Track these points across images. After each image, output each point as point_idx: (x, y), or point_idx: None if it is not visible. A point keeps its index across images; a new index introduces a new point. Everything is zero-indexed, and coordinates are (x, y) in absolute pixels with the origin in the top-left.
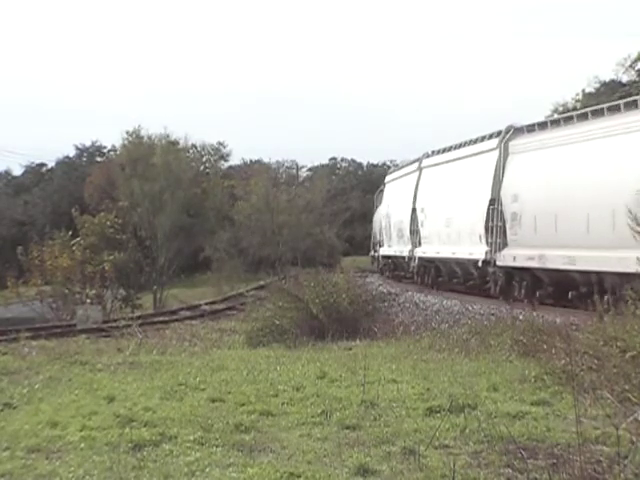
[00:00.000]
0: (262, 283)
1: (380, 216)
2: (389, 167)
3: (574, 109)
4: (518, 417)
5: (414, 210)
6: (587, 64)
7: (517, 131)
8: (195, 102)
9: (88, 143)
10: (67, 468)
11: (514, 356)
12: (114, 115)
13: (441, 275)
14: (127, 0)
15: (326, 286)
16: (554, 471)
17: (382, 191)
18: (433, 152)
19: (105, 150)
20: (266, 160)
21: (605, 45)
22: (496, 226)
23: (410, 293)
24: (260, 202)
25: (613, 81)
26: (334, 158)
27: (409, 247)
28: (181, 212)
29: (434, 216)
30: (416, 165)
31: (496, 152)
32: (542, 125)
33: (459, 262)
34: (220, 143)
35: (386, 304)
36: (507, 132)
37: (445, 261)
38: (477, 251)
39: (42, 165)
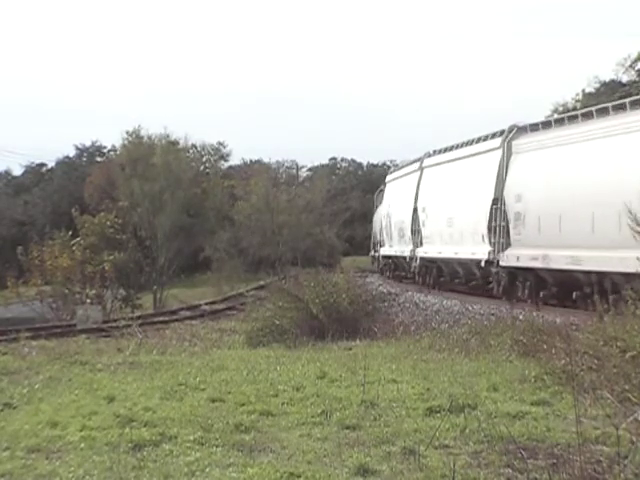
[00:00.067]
0: (262, 283)
1: (380, 216)
2: (389, 167)
3: (574, 109)
4: (518, 417)
5: (415, 210)
6: (587, 64)
7: (520, 130)
8: (195, 102)
9: (88, 143)
10: (67, 468)
11: (514, 356)
12: (114, 115)
13: (443, 275)
14: (127, 0)
15: (326, 286)
16: (554, 471)
17: (382, 191)
18: (435, 151)
19: (105, 150)
20: (266, 160)
21: (605, 45)
22: (499, 226)
23: (410, 293)
24: (260, 202)
25: (613, 81)
26: (334, 158)
27: (410, 247)
28: (181, 212)
29: (436, 216)
30: (417, 165)
31: (499, 151)
32: (546, 124)
33: (461, 262)
34: (220, 143)
35: (386, 304)
36: (510, 131)
37: (447, 261)
38: (480, 251)
39: (42, 165)
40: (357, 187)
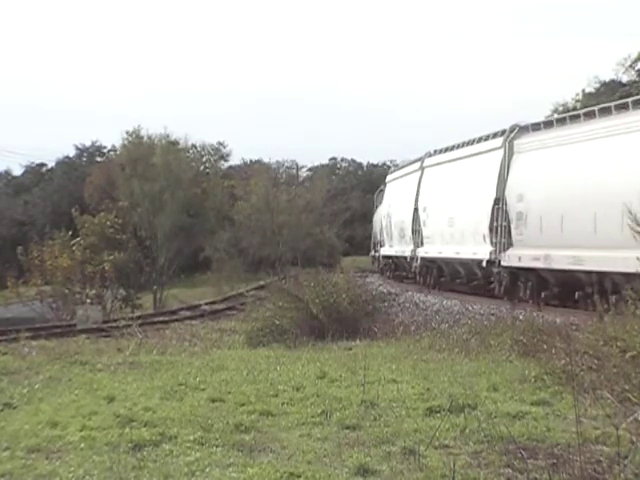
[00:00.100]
0: (262, 283)
1: (381, 216)
2: (389, 167)
3: (574, 109)
4: (518, 417)
5: (416, 210)
6: (587, 64)
7: (522, 130)
8: (195, 102)
9: (88, 143)
10: (67, 468)
11: (514, 356)
12: (114, 115)
13: (443, 275)
14: (127, 0)
15: (326, 286)
16: (554, 471)
17: (382, 191)
18: (435, 151)
19: (105, 150)
20: (266, 160)
21: (605, 45)
22: (501, 226)
23: (410, 293)
24: (260, 202)
25: (613, 81)
26: (334, 158)
27: (411, 247)
28: (181, 212)
29: (437, 216)
30: (418, 164)
31: (501, 151)
32: (548, 124)
33: (462, 262)
34: (220, 143)
35: (386, 304)
36: (512, 131)
37: (448, 261)
38: (481, 251)
39: (42, 165)
40: (357, 187)
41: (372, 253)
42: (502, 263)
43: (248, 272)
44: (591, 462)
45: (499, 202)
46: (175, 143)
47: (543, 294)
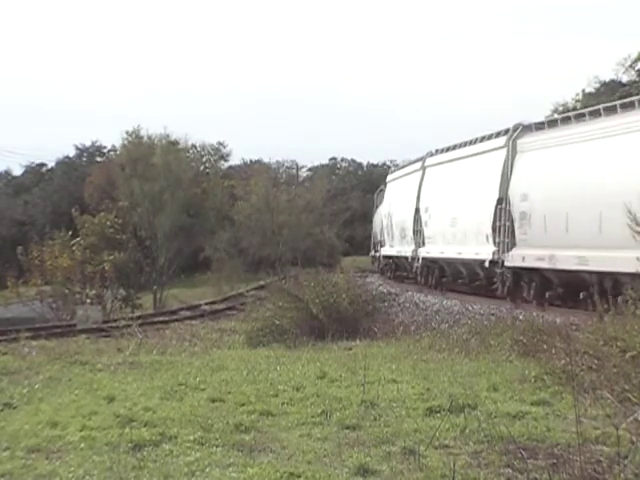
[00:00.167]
0: (262, 283)
1: (381, 216)
2: (389, 167)
3: (574, 109)
4: (518, 417)
5: (417, 210)
6: (587, 64)
7: (525, 129)
8: (195, 102)
9: (88, 143)
10: (67, 468)
11: (514, 356)
12: (114, 115)
13: (445, 275)
14: (127, 0)
15: (326, 286)
16: (554, 471)
17: (383, 191)
18: (437, 151)
19: (105, 150)
20: (266, 160)
21: (605, 45)
22: (504, 226)
23: (410, 293)
24: (260, 202)
25: (613, 81)
26: (334, 158)
27: (412, 247)
28: (181, 212)
29: (439, 216)
30: (419, 164)
31: (504, 150)
32: (552, 123)
33: (465, 262)
34: (220, 143)
35: (386, 304)
36: (515, 130)
37: (450, 261)
38: (484, 251)
39: (42, 165)
40: (357, 187)
41: (372, 253)
42: (505, 263)
43: (248, 272)
44: (591, 462)
45: (502, 202)
46: (175, 143)
47: (547, 294)
